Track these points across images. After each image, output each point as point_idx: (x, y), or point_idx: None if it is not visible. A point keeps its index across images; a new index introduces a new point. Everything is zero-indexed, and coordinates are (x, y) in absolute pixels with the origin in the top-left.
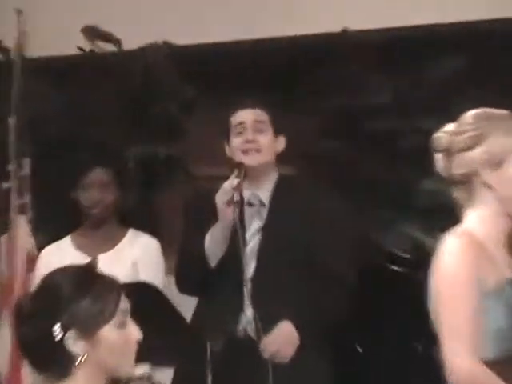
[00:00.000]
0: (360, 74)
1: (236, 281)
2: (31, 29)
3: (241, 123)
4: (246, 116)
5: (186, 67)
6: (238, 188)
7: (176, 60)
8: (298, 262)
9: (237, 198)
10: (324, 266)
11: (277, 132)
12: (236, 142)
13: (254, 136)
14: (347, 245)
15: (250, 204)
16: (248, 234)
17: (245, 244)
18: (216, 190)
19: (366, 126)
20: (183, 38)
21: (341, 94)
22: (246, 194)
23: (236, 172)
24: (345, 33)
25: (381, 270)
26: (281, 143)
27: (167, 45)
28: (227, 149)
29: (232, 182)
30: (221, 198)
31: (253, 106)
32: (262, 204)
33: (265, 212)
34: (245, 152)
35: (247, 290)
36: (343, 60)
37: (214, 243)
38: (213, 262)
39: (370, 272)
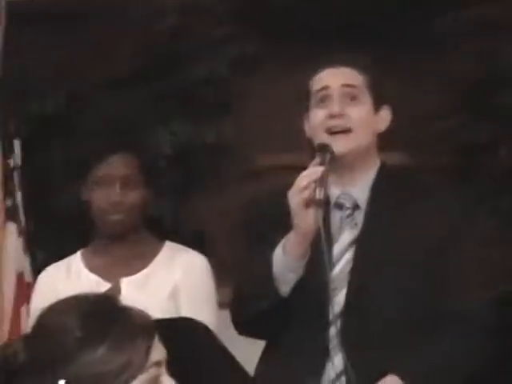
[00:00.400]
0: None
1: (319, 317)
2: None
3: (324, 89)
4: (330, 79)
5: (240, 7)
6: (323, 181)
7: None
8: (410, 291)
9: (320, 195)
10: (451, 302)
11: (379, 102)
12: (317, 116)
13: (342, 108)
14: (488, 273)
15: (340, 206)
16: (336, 250)
17: (332, 263)
18: (289, 186)
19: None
20: None
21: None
22: (334, 192)
23: (319, 157)
24: None
25: None
26: (384, 118)
27: None
28: (306, 127)
29: (312, 171)
30: (296, 196)
31: (341, 64)
32: (356, 207)
33: (361, 218)
34: (330, 131)
35: (335, 329)
36: None
37: (286, 262)
38: (285, 289)
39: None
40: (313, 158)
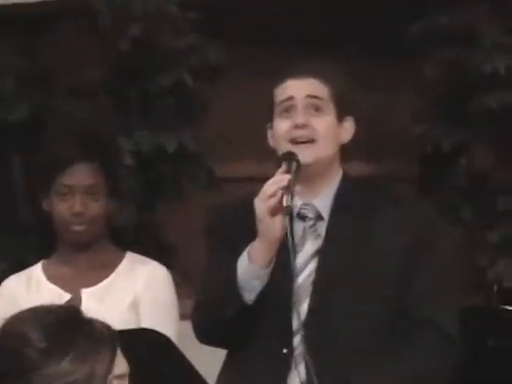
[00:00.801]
0: None
1: (283, 326)
2: None
3: (288, 99)
4: (295, 89)
5: (203, 16)
6: (289, 188)
7: (189, 5)
8: (373, 300)
9: (288, 202)
10: (415, 311)
11: (342, 113)
12: (281, 126)
13: (306, 119)
14: (454, 286)
15: (302, 217)
16: (299, 260)
17: (295, 273)
18: (253, 195)
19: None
20: None
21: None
22: (297, 202)
23: (285, 165)
24: None
25: (494, 312)
26: (348, 130)
27: None
28: (269, 136)
29: (279, 179)
30: (262, 204)
31: (306, 74)
32: (319, 217)
33: (323, 229)
34: (294, 141)
35: (299, 338)
36: None
37: (251, 269)
38: (249, 296)
39: (479, 316)
40: (277, 167)
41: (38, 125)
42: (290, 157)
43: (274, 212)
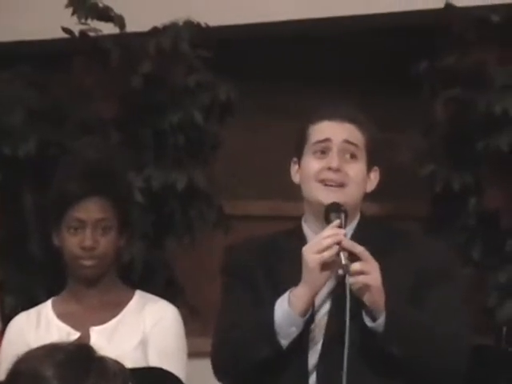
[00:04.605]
0: None
1: (299, 366)
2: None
3: (325, 140)
4: (333, 132)
5: (219, 53)
6: (344, 244)
7: (204, 45)
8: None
9: (346, 260)
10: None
11: (371, 163)
12: (313, 165)
13: (341, 164)
14: (465, 329)
15: None
16: (316, 301)
17: (311, 314)
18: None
19: None
20: (211, 16)
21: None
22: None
23: (334, 217)
24: None
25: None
26: (373, 180)
27: (191, 25)
28: (294, 171)
29: (334, 232)
30: (317, 256)
31: (345, 118)
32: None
33: (338, 270)
34: (324, 183)
35: (313, 379)
36: None
37: (290, 317)
38: (284, 342)
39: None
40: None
41: (47, 160)
42: (338, 208)
43: (325, 266)
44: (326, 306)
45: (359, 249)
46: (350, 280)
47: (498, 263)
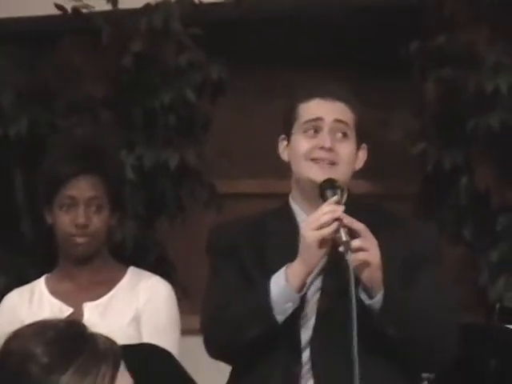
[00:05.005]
0: None
1: (291, 343)
2: None
3: (316, 120)
4: (324, 111)
5: (211, 32)
6: (344, 221)
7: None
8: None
9: (347, 237)
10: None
11: (360, 141)
12: (304, 144)
13: (332, 143)
14: (455, 310)
15: None
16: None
17: (305, 292)
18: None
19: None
20: None
21: None
22: (302, 217)
23: (331, 194)
24: None
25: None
26: (361, 158)
27: (183, 2)
28: (282, 149)
29: (332, 209)
30: (316, 233)
31: (336, 97)
32: None
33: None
34: (315, 160)
35: (307, 356)
36: None
37: (287, 293)
38: (280, 318)
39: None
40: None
41: (38, 140)
42: (334, 184)
43: (323, 242)
44: (318, 283)
45: (359, 225)
46: (350, 257)
47: (489, 242)
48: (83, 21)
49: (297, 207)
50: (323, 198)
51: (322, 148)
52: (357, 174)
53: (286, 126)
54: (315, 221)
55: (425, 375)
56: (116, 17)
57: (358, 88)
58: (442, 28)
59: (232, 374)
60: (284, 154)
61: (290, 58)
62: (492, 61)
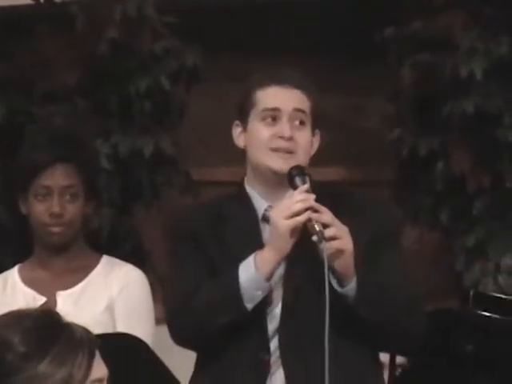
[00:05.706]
0: None
1: (259, 331)
2: None
3: (275, 109)
4: (282, 101)
5: (186, 20)
6: (313, 207)
7: (171, 10)
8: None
9: (320, 226)
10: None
11: (315, 127)
12: (263, 132)
13: (292, 132)
14: (420, 289)
15: (268, 220)
16: None
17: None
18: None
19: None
20: None
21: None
22: (262, 205)
23: (300, 181)
24: None
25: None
26: (315, 143)
27: None
28: (237, 134)
29: (304, 197)
30: (289, 222)
31: (292, 85)
32: None
33: None
34: (274, 150)
35: (275, 344)
36: None
37: (256, 280)
38: (249, 306)
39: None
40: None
41: (14, 128)
42: (302, 171)
43: (294, 231)
44: (281, 270)
45: (327, 217)
46: (325, 246)
47: (466, 227)
48: (58, 9)
49: (254, 193)
50: (292, 186)
51: (281, 137)
52: (332, 161)
53: (242, 113)
54: (287, 209)
55: (398, 361)
56: (91, 4)
57: (334, 74)
58: (418, 14)
59: (198, 364)
60: (239, 140)
61: (265, 45)
62: (467, 46)
